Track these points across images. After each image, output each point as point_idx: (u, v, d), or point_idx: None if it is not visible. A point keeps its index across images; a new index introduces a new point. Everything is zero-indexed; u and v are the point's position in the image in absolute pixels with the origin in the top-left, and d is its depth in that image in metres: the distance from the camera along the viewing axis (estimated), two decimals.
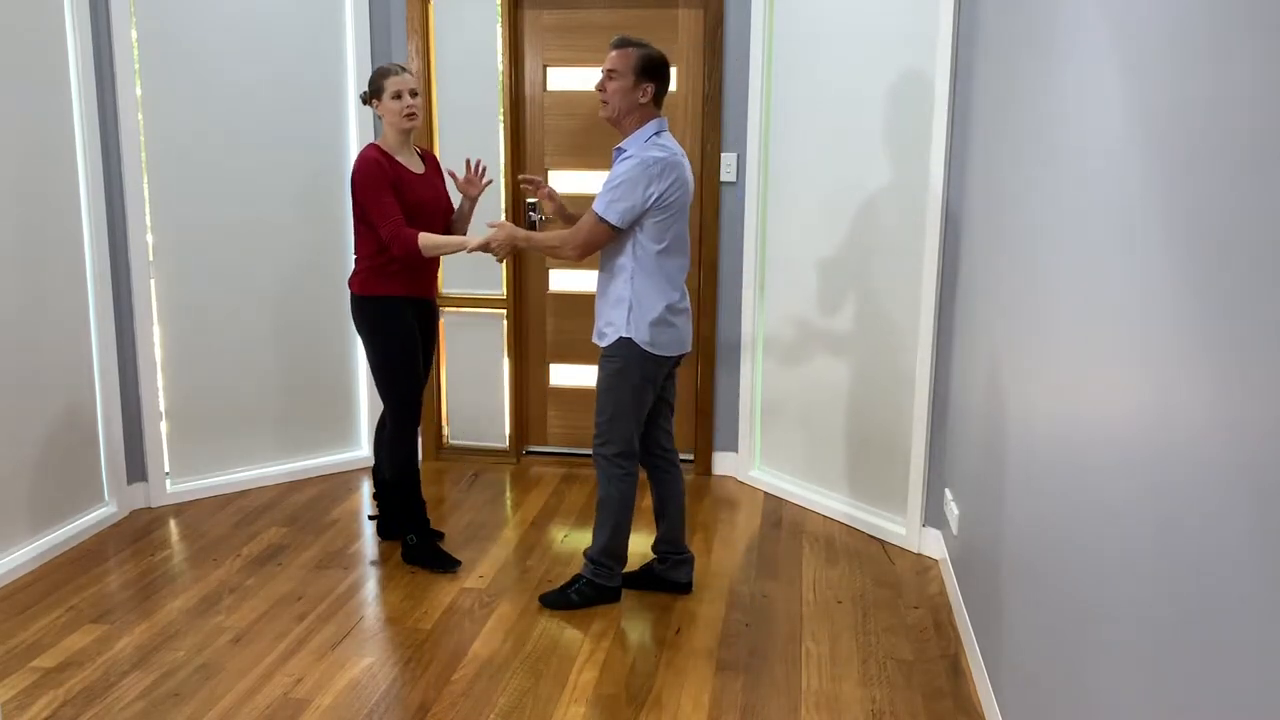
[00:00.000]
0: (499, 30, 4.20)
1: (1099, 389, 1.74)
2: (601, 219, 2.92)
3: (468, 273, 4.41)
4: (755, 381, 4.23)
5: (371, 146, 3.27)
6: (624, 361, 3.01)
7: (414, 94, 3.28)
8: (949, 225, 3.41)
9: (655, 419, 3.21)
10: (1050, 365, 2.08)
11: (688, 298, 3.09)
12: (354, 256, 3.37)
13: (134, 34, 3.69)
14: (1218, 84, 1.27)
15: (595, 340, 3.10)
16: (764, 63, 3.98)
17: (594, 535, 3.16)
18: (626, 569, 3.32)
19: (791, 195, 3.96)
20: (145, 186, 3.77)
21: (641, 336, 2.99)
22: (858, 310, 3.75)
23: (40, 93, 3.38)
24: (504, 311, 4.42)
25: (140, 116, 3.73)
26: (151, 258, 3.83)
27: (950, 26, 3.30)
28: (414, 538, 3.45)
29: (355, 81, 4.13)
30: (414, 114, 3.27)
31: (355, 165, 3.23)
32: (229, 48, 3.88)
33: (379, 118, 3.38)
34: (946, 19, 3.30)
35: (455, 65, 4.26)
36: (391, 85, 3.24)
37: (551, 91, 4.29)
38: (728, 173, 4.13)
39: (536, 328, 4.50)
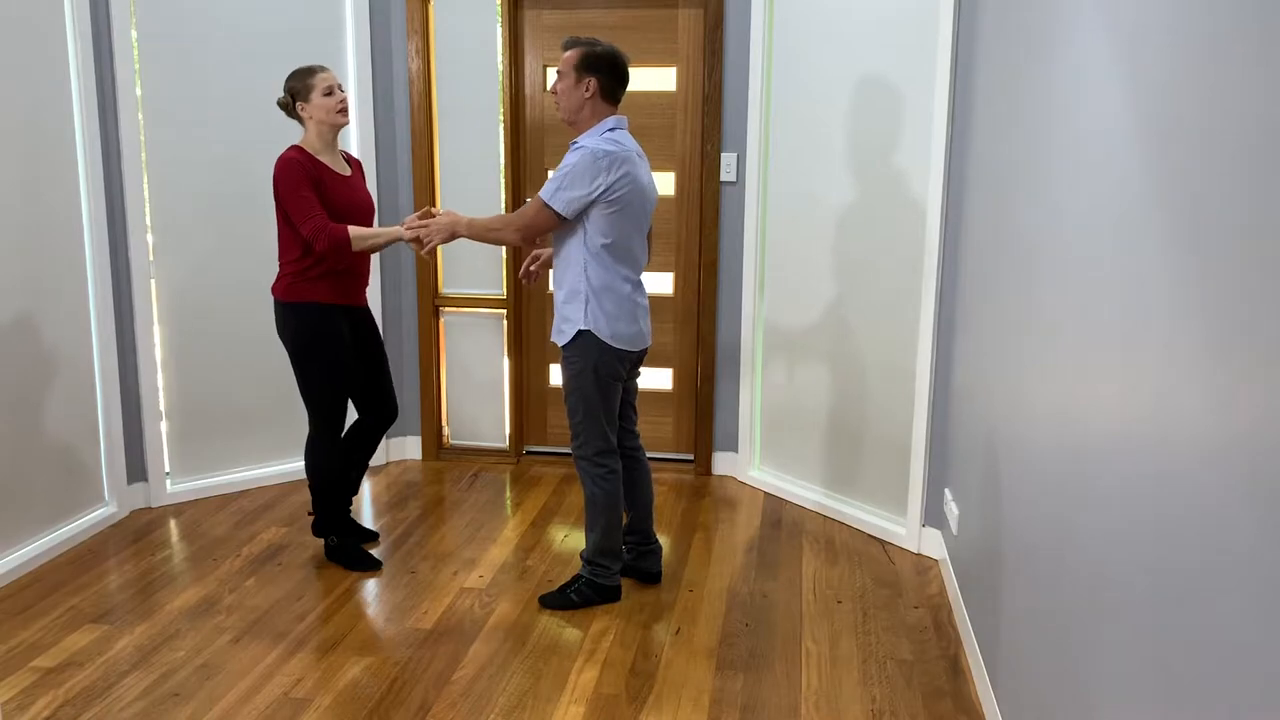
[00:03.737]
0: (499, 30, 4.20)
1: (1099, 388, 1.74)
2: (547, 205, 2.93)
3: (468, 272, 4.41)
4: (755, 381, 4.23)
5: (292, 148, 3.14)
6: (585, 359, 3.01)
7: (342, 89, 3.19)
8: (949, 224, 3.41)
9: (618, 418, 3.22)
10: (1050, 365, 2.08)
11: (645, 294, 3.10)
12: (278, 262, 3.23)
13: (134, 34, 3.69)
14: (1216, 80, 1.27)
15: (554, 339, 3.09)
16: (764, 63, 3.98)
17: (586, 536, 3.18)
18: None
19: (791, 195, 3.96)
20: (145, 186, 3.77)
21: (600, 328, 2.99)
22: (857, 310, 3.75)
23: (40, 93, 3.38)
24: (504, 311, 4.42)
25: (140, 116, 3.73)
26: (151, 258, 3.83)
27: (950, 26, 3.30)
28: (335, 538, 3.44)
29: (356, 81, 4.13)
30: (347, 109, 3.17)
31: (275, 167, 3.11)
32: (229, 48, 3.88)
33: (304, 122, 3.19)
34: (946, 19, 3.30)
35: (455, 65, 4.26)
36: (321, 82, 3.13)
37: (552, 92, 4.28)
38: (728, 173, 4.13)
39: (536, 328, 4.50)
